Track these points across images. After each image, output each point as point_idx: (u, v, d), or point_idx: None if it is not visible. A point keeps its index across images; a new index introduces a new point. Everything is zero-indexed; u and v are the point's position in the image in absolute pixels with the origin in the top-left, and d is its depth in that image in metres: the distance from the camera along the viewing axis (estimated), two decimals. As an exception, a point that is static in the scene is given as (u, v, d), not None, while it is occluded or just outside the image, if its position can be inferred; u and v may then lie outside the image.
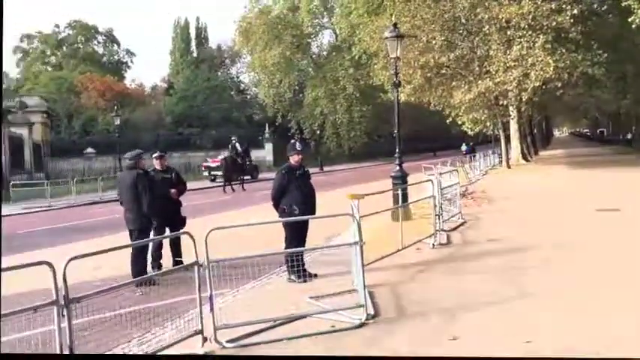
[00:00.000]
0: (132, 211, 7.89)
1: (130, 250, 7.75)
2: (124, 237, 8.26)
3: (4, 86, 57.27)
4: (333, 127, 48.97)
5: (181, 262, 7.94)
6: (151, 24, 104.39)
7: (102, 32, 68.69)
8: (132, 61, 71.75)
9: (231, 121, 51.52)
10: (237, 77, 64.95)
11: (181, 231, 5.56)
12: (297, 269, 6.97)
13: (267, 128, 47.83)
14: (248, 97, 61.67)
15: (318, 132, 47.91)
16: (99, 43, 70.22)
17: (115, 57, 70.91)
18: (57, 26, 66.26)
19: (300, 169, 7.49)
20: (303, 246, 7.30)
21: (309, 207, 7.36)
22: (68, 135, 49.43)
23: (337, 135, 49.47)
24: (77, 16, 68.96)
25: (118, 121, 35.34)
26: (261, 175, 32.43)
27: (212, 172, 33.07)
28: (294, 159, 7.46)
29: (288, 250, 6.98)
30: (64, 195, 24.54)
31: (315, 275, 7.29)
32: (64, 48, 67.15)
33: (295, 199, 7.27)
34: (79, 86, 55.29)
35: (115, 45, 70.62)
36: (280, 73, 46.47)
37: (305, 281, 7.06)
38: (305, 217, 7.10)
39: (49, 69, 64.80)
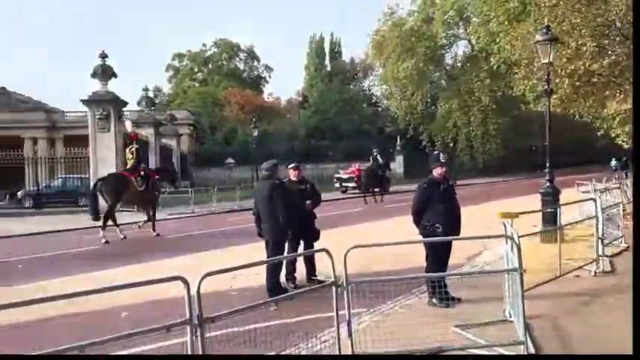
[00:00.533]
0: (267, 222, 7.76)
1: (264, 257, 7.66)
2: (259, 246, 8.17)
3: (157, 101, 62.38)
4: (466, 140, 47.26)
5: (316, 279, 7.70)
6: (287, 40, 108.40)
7: (244, 49, 72.51)
8: (270, 76, 74.97)
9: (363, 133, 51.63)
10: (369, 90, 65.28)
11: (319, 248, 5.25)
12: (440, 292, 6.37)
13: (398, 141, 47.25)
14: (379, 109, 61.56)
15: (450, 145, 46.40)
16: (241, 59, 74.21)
17: (255, 72, 74.48)
18: (204, 45, 71.15)
19: (445, 182, 6.89)
20: (446, 267, 6.69)
21: (454, 225, 6.71)
22: (211, 145, 52.43)
23: (471, 148, 47.67)
24: (222, 35, 73.25)
25: (255, 133, 36.78)
26: (392, 188, 31.87)
27: (343, 184, 33.15)
28: (437, 172, 6.88)
29: (433, 275, 6.37)
30: (206, 202, 25.72)
31: (459, 300, 6.63)
32: (210, 65, 71.80)
33: (438, 215, 6.67)
34: (222, 100, 58.75)
35: (255, 61, 74.18)
36: (412, 86, 45.75)
37: (448, 306, 6.43)
38: (450, 238, 6.47)
39: (196, 85, 69.54)
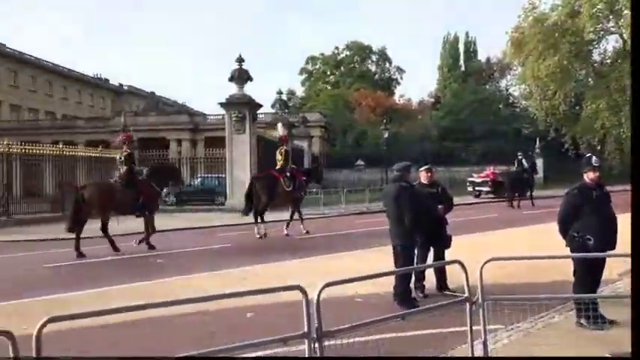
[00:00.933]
0: (394, 226, 7.41)
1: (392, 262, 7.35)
2: (388, 250, 7.81)
3: (290, 103, 64.39)
4: (616, 143, 43.10)
5: (449, 293, 7.20)
6: (420, 41, 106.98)
7: (375, 51, 72.61)
8: (401, 78, 74.38)
9: (498, 134, 49.30)
10: (506, 90, 62.32)
11: (452, 259, 4.80)
12: (590, 313, 5.59)
13: (537, 143, 44.35)
14: (517, 110, 58.44)
15: (597, 148, 42.63)
16: (372, 61, 74.41)
17: (387, 74, 74.30)
18: (336, 48, 72.27)
19: (598, 189, 6.08)
20: (598, 285, 5.88)
21: (609, 237, 5.88)
22: (342, 147, 52.97)
23: (621, 151, 43.36)
24: (354, 38, 73.87)
25: (386, 135, 36.44)
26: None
27: (476, 188, 31.81)
28: (589, 176, 6.08)
29: (583, 296, 5.62)
30: (335, 204, 25.85)
31: (614, 322, 5.78)
32: (342, 67, 72.80)
33: (590, 226, 5.87)
34: (353, 102, 59.23)
35: (387, 63, 73.97)
36: (555, 84, 42.56)
37: (601, 329, 5.63)
38: (606, 255, 5.67)
39: (328, 87, 70.81)
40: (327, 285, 3.44)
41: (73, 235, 12.36)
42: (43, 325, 2.85)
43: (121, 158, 13.51)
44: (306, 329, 3.31)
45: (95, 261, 11.81)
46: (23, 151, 22.51)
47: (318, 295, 3.36)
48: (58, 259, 11.79)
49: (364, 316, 5.09)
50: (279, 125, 18.57)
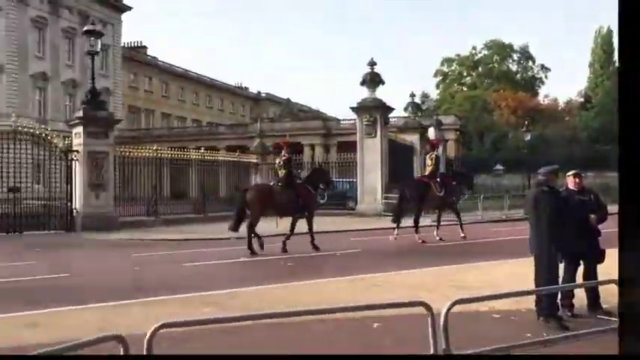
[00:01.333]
0: (534, 233, 6.70)
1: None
2: (526, 262, 7.10)
3: (424, 107, 63.19)
4: None
5: (604, 317, 6.37)
6: (567, 37, 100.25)
7: (517, 50, 69.10)
8: (546, 77, 70.13)
9: (661, 135, 44.35)
10: (671, 86, 56.06)
11: (606, 279, 4.09)
12: None
13: None
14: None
15: None
16: (514, 60, 70.92)
17: (529, 73, 70.44)
18: (474, 48, 69.84)
19: None
20: None
21: None
22: (478, 151, 50.92)
23: None
24: (494, 36, 71.00)
25: (528, 137, 34.34)
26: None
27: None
28: None
29: None
30: (471, 210, 24.68)
31: None
32: (480, 68, 70.14)
33: None
34: (491, 104, 56.77)
35: (530, 61, 70.10)
36: None
37: None
38: None
39: (465, 89, 68.60)
40: (457, 302, 3.02)
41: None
42: (155, 332, 2.77)
43: (280, 162, 14.19)
44: (432, 350, 2.91)
45: (229, 262, 12.17)
46: (170, 155, 24.30)
47: (446, 315, 2.95)
48: (197, 259, 12.31)
49: (500, 335, 4.56)
50: (431, 130, 18.25)
